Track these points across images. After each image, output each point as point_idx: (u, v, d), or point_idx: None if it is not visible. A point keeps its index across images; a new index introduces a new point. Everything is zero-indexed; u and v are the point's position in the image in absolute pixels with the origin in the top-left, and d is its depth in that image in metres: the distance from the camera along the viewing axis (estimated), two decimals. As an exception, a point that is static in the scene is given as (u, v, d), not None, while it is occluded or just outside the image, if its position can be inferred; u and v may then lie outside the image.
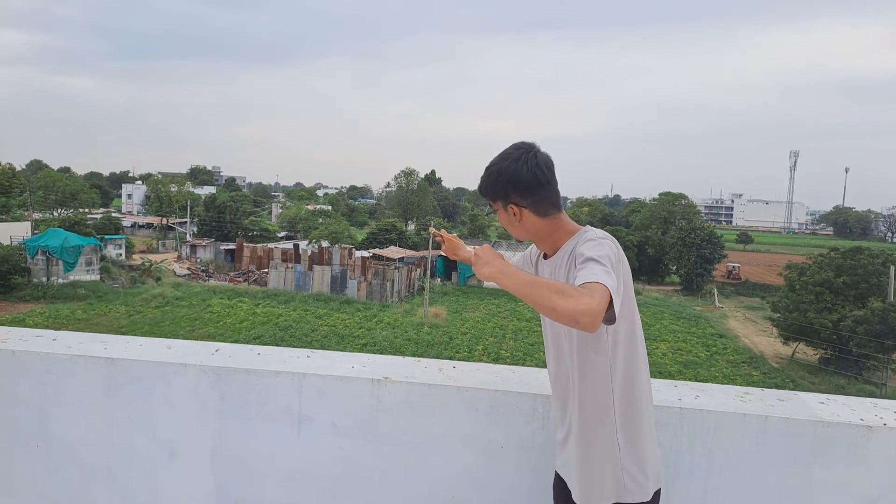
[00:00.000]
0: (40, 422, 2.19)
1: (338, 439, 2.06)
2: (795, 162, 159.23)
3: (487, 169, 1.75)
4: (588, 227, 1.75)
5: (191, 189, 77.61)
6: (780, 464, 1.86)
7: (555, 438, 1.89)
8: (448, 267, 48.02)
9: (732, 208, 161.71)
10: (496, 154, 1.76)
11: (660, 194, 69.91)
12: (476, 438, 2.00)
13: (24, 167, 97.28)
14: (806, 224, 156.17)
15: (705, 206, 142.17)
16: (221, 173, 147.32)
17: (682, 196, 67.35)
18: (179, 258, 49.45)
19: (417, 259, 47.82)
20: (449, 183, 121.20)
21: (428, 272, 39.95)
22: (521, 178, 1.70)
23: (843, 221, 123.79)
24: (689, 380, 26.53)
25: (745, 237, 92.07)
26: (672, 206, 63.60)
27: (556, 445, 1.84)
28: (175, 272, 42.63)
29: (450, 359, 27.28)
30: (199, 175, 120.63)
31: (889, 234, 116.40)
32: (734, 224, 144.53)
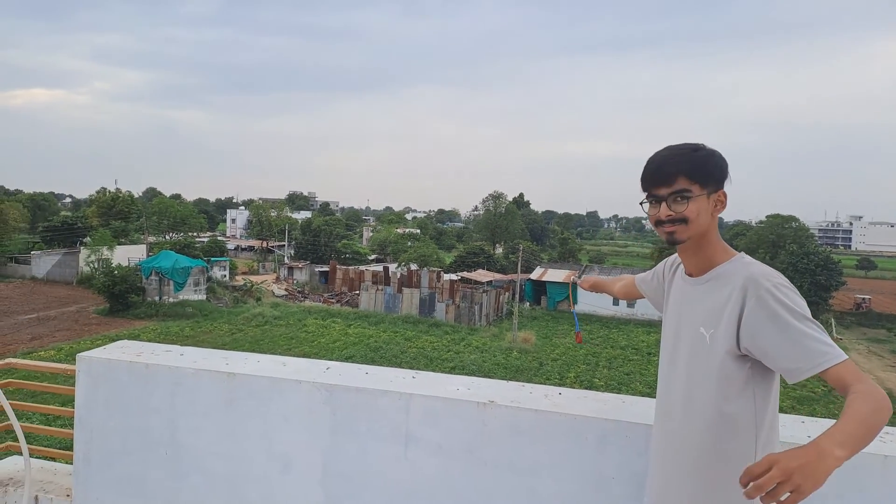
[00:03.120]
0: (170, 431, 2.36)
1: (443, 460, 2.07)
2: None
3: (695, 150, 1.57)
4: (743, 253, 1.61)
5: (288, 214, 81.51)
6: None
7: (650, 472, 1.74)
8: (537, 291, 47.49)
9: (851, 231, 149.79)
10: (666, 146, 1.62)
11: (767, 216, 65.85)
12: (584, 468, 1.95)
13: (140, 195, 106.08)
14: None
15: (819, 230, 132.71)
16: (316, 198, 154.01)
17: (792, 218, 62.82)
18: (278, 279, 51.92)
19: (506, 282, 47.65)
20: (537, 206, 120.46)
21: (517, 296, 39.67)
22: (726, 170, 1.59)
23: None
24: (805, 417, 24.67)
25: (867, 263, 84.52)
26: (782, 230, 59.51)
27: (654, 483, 1.68)
28: (274, 293, 44.75)
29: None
30: (296, 200, 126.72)
31: None
32: (854, 249, 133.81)
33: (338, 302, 43.78)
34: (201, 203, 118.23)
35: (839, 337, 42.72)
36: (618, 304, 41.93)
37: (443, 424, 2.08)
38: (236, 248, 76.11)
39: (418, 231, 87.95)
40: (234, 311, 38.10)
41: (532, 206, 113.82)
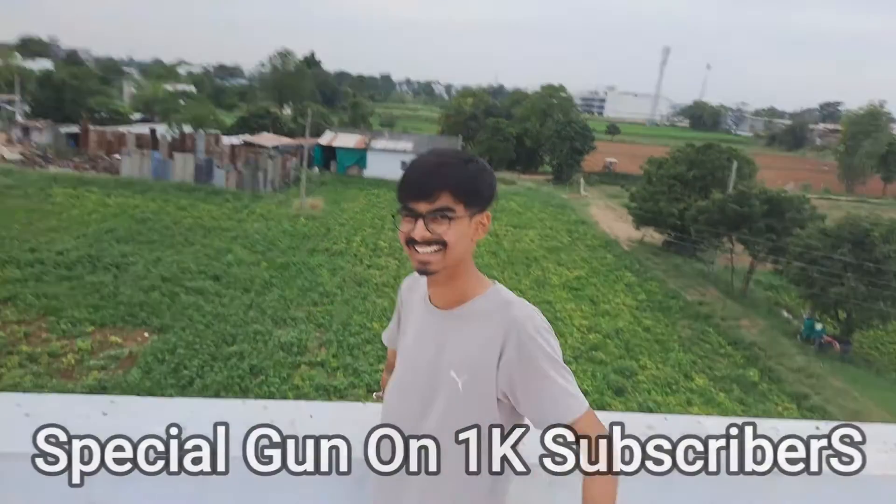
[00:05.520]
0: None
1: None
2: (666, 58, 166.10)
3: (468, 160, 1.34)
4: (497, 285, 1.42)
5: (20, 63, 67.01)
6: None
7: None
8: (327, 156, 45.81)
9: (605, 100, 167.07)
10: (430, 151, 1.37)
11: (541, 86, 70.13)
12: None
13: None
14: (668, 116, 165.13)
15: (581, 99, 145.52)
16: (59, 44, 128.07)
17: (561, 88, 68.38)
18: (10, 141, 43.02)
19: (293, 147, 45.07)
20: (330, 66, 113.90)
21: (304, 161, 37.77)
22: (496, 189, 1.40)
23: (699, 115, 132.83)
24: (552, 263, 28.10)
25: (613, 129, 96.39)
26: (551, 99, 64.46)
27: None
28: (4, 157, 37.13)
29: (326, 250, 26.18)
30: (31, 46, 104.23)
31: (734, 127, 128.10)
32: (605, 115, 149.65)
33: (93, 168, 37.87)
34: None
35: (585, 193, 48.66)
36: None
37: None
38: (-53, 103, 61.31)
39: (193, 88, 78.72)
40: (-51, 181, 30.97)
41: (324, 66, 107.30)
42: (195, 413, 1.56)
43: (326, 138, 46.96)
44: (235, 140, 45.41)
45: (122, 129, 45.12)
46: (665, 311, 24.04)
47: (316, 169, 43.53)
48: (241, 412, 1.60)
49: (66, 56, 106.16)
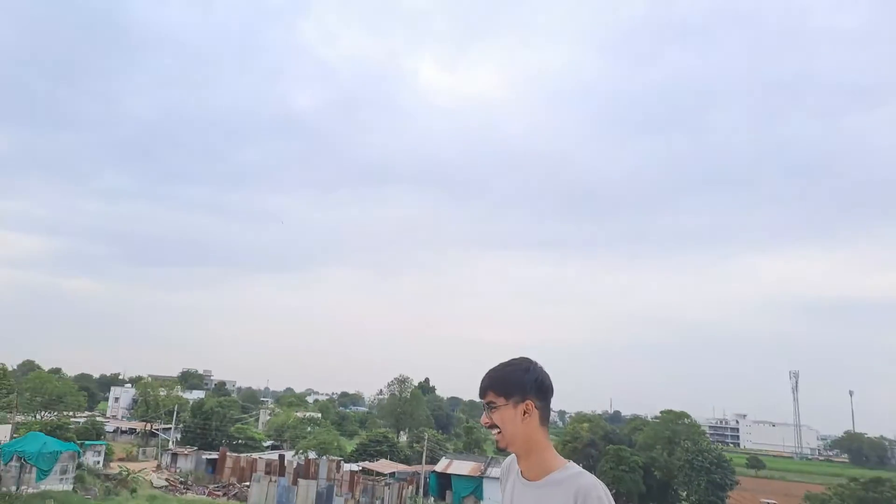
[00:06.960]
0: None
1: None
2: (797, 382, 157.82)
3: (508, 365, 1.91)
4: (572, 462, 1.97)
5: (180, 393, 76.24)
6: None
7: None
8: (442, 484, 45.42)
9: (738, 429, 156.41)
10: (498, 362, 1.94)
11: (661, 412, 68.16)
12: None
13: (15, 367, 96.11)
14: (819, 450, 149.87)
15: (709, 427, 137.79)
16: (212, 377, 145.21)
17: (684, 415, 65.35)
18: (159, 467, 46.95)
19: (409, 475, 45.46)
20: (443, 392, 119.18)
21: (420, 489, 37.76)
22: (545, 381, 1.92)
23: (858, 448, 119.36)
24: None
25: (756, 462, 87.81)
26: (675, 425, 61.63)
27: None
28: (153, 483, 40.21)
29: None
30: (189, 378, 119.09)
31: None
32: (742, 447, 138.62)
33: (224, 495, 39.82)
34: (83, 379, 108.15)
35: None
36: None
37: None
38: (116, 431, 69.11)
39: (319, 415, 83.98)
40: (102, 505, 33.62)
41: (437, 392, 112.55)
42: None
43: (441, 465, 47.14)
44: (355, 466, 46.73)
45: (255, 455, 48.29)
46: None
47: (431, 499, 42.95)
48: None
49: (215, 387, 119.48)
